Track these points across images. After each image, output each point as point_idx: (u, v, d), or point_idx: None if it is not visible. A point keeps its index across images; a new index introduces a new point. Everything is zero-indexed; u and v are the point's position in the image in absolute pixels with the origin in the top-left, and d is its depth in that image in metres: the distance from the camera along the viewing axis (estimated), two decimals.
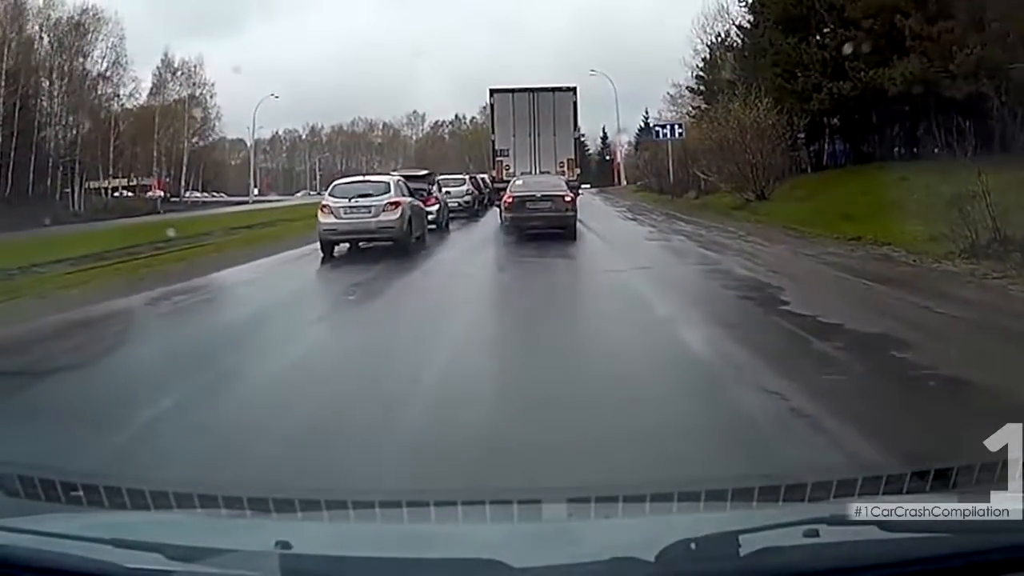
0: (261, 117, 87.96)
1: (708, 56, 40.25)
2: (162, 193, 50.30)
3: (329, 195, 16.70)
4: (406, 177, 22.44)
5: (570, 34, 76.16)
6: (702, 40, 41.05)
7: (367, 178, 18.36)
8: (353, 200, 16.10)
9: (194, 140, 54.37)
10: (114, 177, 48.42)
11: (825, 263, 13.35)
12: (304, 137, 73.30)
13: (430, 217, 20.97)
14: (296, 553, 1.88)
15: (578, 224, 19.09)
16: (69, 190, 43.29)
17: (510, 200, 18.74)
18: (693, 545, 1.78)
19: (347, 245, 16.68)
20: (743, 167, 26.84)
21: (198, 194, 55.10)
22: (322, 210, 16.25)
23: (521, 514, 2.48)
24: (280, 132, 72.07)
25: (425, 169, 26.62)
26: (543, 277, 13.18)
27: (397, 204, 16.13)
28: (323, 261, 15.72)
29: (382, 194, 16.30)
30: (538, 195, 18.48)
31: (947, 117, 24.80)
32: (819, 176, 29.84)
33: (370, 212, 15.93)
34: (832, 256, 14.06)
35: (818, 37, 30.07)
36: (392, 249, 15.88)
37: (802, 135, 31.92)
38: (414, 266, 14.84)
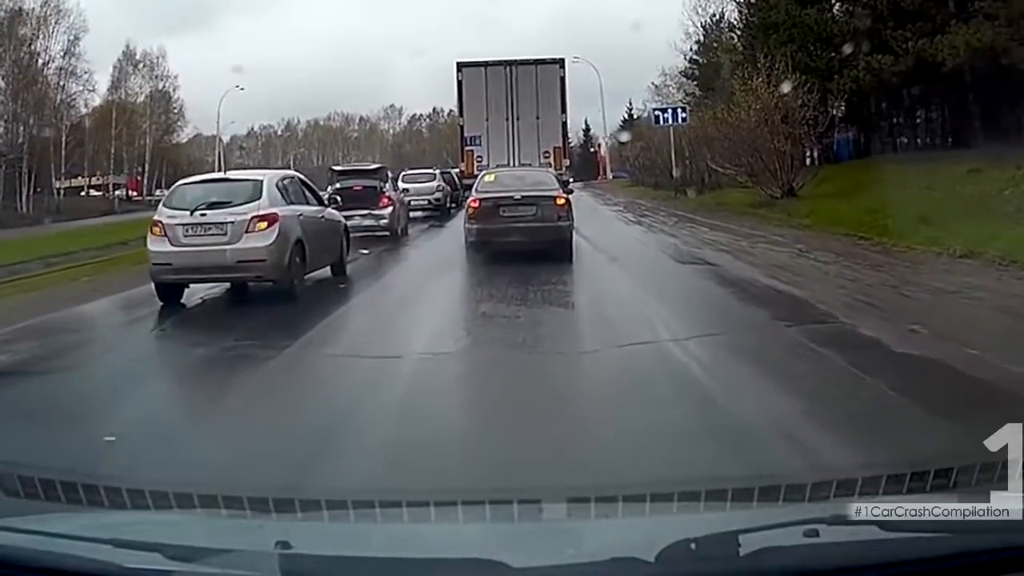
0: (237, 113, 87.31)
1: (703, 38, 38.75)
2: (124, 192, 49.19)
3: (164, 206, 10.48)
4: (354, 172, 19.27)
5: (548, 28, 76.18)
6: (694, 22, 39.79)
7: (228, 176, 11.92)
8: (199, 214, 9.97)
9: (165, 136, 53.25)
10: (73, 176, 47.47)
11: (1000, 309, 8.53)
12: (279, 132, 72.86)
13: (382, 222, 17.46)
14: (296, 553, 1.90)
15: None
16: (26, 190, 41.86)
17: (476, 205, 13.38)
18: (693, 545, 1.80)
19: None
20: (767, 157, 22.50)
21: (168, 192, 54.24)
22: (153, 230, 10.15)
23: (521, 514, 2.50)
24: (255, 127, 71.58)
25: (376, 162, 22.16)
26: (529, 373, 6.71)
27: (271, 220, 9.93)
28: (162, 314, 9.82)
29: (246, 203, 10.03)
30: (517, 196, 13.20)
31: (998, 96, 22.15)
32: (840, 169, 25.79)
33: (224, 234, 9.84)
34: (985, 291, 9.26)
35: (848, 5, 26.70)
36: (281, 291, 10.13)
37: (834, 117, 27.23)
38: (303, 327, 8.58)
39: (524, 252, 12.74)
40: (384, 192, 18.14)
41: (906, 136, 30.05)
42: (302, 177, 12.16)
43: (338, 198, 17.27)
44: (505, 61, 23.56)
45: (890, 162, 23.87)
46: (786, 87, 22.04)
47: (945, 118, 28.17)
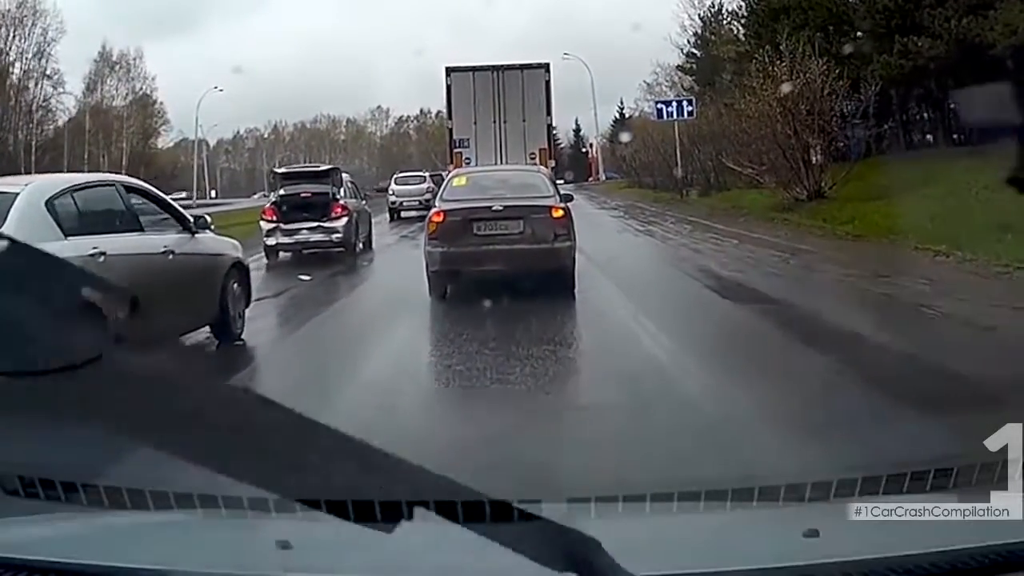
0: (223, 116, 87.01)
1: (701, 31, 38.38)
2: None
3: None
4: (301, 175, 16.45)
5: (535, 29, 76.50)
6: (690, 15, 39.40)
7: None
8: None
9: (150, 140, 52.57)
10: None
11: None
12: (266, 135, 72.75)
13: (335, 237, 15.05)
14: (296, 553, 1.89)
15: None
16: None
17: (439, 219, 9.97)
18: (693, 545, 1.79)
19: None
20: (791, 154, 20.21)
21: None
22: None
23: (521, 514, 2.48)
24: (241, 131, 71.49)
25: (326, 164, 19.60)
26: None
27: None
28: None
29: None
30: (497, 207, 9.87)
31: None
32: (861, 167, 22.38)
33: None
34: None
35: None
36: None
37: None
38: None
39: (507, 282, 9.47)
40: (337, 200, 15.43)
41: (923, 131, 28.51)
42: (133, 183, 7.99)
43: (282, 208, 15.27)
44: (492, 66, 24.28)
45: (917, 159, 22.22)
46: (813, 74, 19.89)
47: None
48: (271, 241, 15.00)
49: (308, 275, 12.83)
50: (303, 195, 15.60)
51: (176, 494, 2.70)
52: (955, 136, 26.65)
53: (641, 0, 74.25)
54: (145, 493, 2.70)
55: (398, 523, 2.64)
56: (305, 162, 54.72)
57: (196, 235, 7.91)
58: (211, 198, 55.35)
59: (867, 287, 10.03)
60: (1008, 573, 1.79)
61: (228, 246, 8.63)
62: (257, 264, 13.96)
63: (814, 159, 20.49)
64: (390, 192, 27.67)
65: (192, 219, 7.93)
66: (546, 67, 24.46)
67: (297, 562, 1.90)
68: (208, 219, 8.28)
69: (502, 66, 24.39)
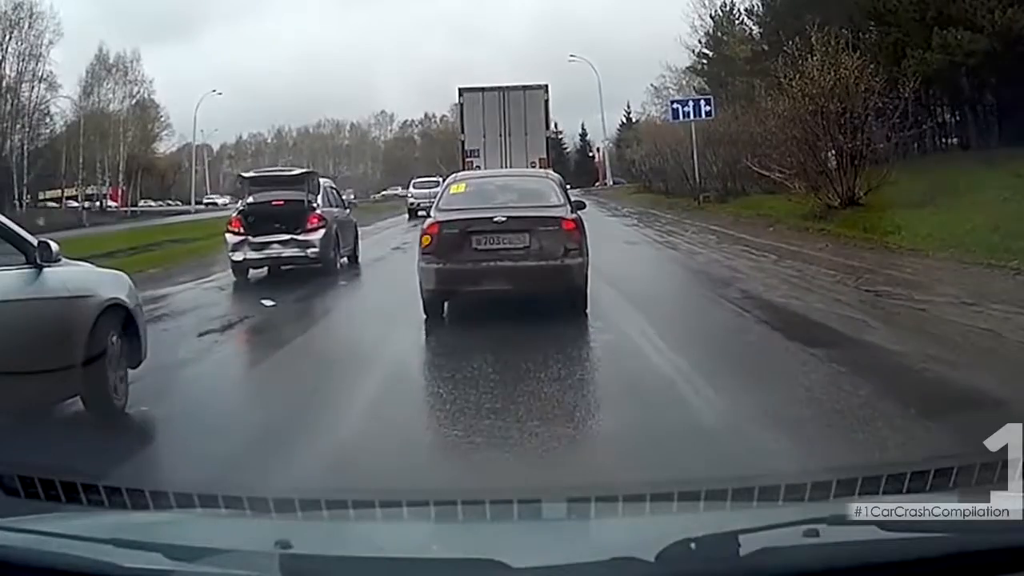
0: (227, 121, 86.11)
1: (712, 31, 38.03)
2: (101, 203, 47.65)
3: None
4: (271, 180, 14.36)
5: (538, 32, 76.80)
6: (700, 16, 38.92)
7: None
8: None
9: (150, 146, 52.51)
10: (54, 187, 46.17)
11: None
12: (269, 140, 72.70)
13: (310, 251, 13.20)
14: (296, 553, 1.91)
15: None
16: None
17: (434, 231, 8.88)
18: (693, 545, 1.81)
19: None
20: (823, 156, 18.90)
21: (152, 203, 53.45)
22: None
23: (521, 514, 2.51)
24: (244, 136, 71.56)
25: (300, 167, 17.10)
26: None
27: None
28: None
29: None
30: (499, 218, 8.77)
31: None
32: (884, 171, 19.51)
33: None
34: None
35: None
36: None
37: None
38: None
39: (509, 305, 8.47)
40: (313, 209, 13.54)
41: (951, 132, 27.69)
42: None
43: (250, 218, 13.29)
44: (499, 87, 28.01)
45: (951, 162, 20.66)
46: (847, 69, 18.19)
47: (1000, 110, 24.43)
48: (238, 256, 13.19)
49: (273, 300, 11.09)
50: (274, 203, 13.62)
51: (176, 494, 2.72)
52: (980, 139, 25.60)
53: (647, 1, 74.33)
54: (145, 493, 2.72)
55: (398, 523, 2.64)
56: (308, 167, 53.81)
57: (44, 269, 5.31)
58: (203, 202, 55.47)
59: (960, 320, 7.96)
60: (1008, 573, 1.79)
61: (102, 283, 5.95)
62: (222, 283, 13.19)
63: (847, 162, 18.65)
64: (409, 195, 31.63)
65: (36, 245, 5.30)
66: (545, 88, 28.10)
67: (297, 562, 1.90)
68: (54, 246, 5.47)
69: (507, 87, 28.07)
